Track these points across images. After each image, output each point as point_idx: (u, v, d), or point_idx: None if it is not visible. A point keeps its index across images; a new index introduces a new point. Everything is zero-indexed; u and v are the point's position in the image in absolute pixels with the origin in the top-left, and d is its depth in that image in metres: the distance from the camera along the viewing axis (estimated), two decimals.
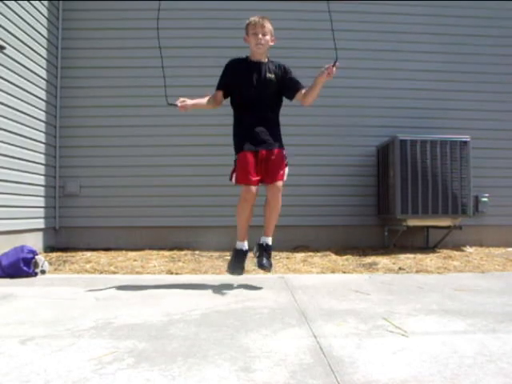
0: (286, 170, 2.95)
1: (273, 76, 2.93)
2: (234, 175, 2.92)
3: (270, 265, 2.99)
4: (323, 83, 2.85)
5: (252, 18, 2.94)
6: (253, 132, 2.88)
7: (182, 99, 2.99)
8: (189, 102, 3.01)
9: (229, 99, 3.05)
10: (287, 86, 2.97)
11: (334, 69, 2.78)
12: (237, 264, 2.95)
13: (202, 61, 4.98)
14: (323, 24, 5.15)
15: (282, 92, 3.00)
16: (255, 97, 2.91)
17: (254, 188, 2.85)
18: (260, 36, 2.89)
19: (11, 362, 1.55)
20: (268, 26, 2.93)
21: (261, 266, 2.96)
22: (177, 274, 3.55)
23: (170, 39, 5.06)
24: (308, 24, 5.12)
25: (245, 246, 2.99)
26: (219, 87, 3.02)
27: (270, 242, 3.01)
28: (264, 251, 2.97)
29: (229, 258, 4.19)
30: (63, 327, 1.97)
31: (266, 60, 3.00)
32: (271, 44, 2.98)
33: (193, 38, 5.04)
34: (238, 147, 2.92)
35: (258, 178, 2.87)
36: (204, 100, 3.06)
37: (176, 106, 2.99)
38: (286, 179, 2.97)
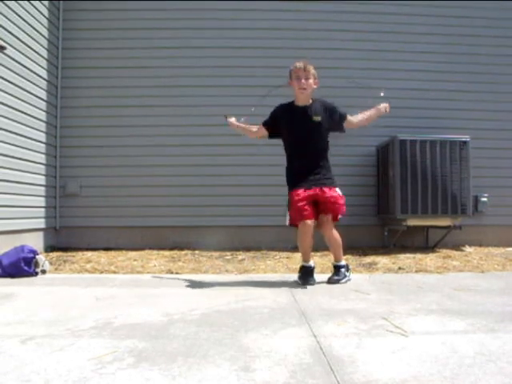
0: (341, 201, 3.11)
1: (319, 118, 3.03)
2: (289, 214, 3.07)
3: (337, 280, 3.07)
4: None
5: (296, 63, 3.06)
6: (303, 176, 3.02)
7: (233, 118, 3.27)
8: (236, 123, 3.28)
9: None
10: (337, 123, 3.11)
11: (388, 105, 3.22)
12: (307, 278, 3.04)
13: (201, 61, 4.99)
14: (322, 24, 5.13)
15: (333, 129, 3.13)
16: (303, 140, 3.03)
17: (309, 221, 2.97)
18: (303, 81, 2.99)
19: (11, 361, 1.55)
20: (311, 70, 3.03)
21: (329, 280, 3.08)
22: (177, 273, 3.55)
23: (170, 39, 5.08)
24: (317, 24, 5.11)
25: (311, 263, 3.15)
26: (265, 124, 3.17)
27: (338, 263, 3.17)
28: (334, 271, 3.15)
29: (228, 257, 4.21)
30: (63, 327, 1.97)
31: (311, 102, 3.08)
32: (314, 87, 3.07)
33: (193, 38, 5.04)
34: (291, 186, 3.07)
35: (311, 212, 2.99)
36: (251, 128, 3.26)
37: (226, 118, 3.27)
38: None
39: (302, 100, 3.05)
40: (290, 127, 3.06)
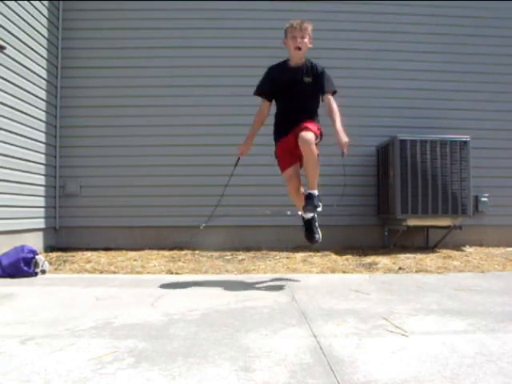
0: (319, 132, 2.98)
1: (309, 79, 3.03)
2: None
3: (314, 207, 2.97)
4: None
5: (292, 21, 3.01)
6: (287, 126, 3.04)
7: (240, 151, 3.23)
8: (243, 147, 3.22)
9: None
10: (318, 89, 3.07)
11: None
12: (310, 233, 3.13)
13: (201, 61, 4.99)
14: (323, 24, 5.14)
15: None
16: (293, 98, 3.03)
17: (290, 170, 3.03)
18: (299, 40, 2.97)
19: (11, 361, 1.55)
20: (307, 29, 3.01)
21: (304, 209, 3.00)
22: (177, 273, 3.55)
23: (170, 39, 5.08)
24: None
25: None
26: (262, 94, 3.14)
27: (313, 192, 3.00)
28: (307, 199, 2.98)
29: (228, 257, 4.21)
30: (63, 327, 1.97)
31: (304, 61, 3.07)
32: (310, 46, 3.06)
33: (193, 38, 5.04)
34: (274, 137, 3.15)
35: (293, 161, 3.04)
36: (253, 129, 3.21)
37: (238, 161, 3.26)
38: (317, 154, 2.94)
39: (296, 59, 3.04)
40: (283, 86, 3.04)
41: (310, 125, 2.93)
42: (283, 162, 3.09)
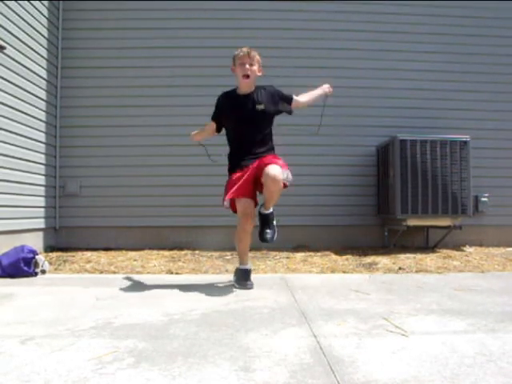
0: (286, 170, 2.85)
1: (262, 106, 2.93)
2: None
3: (271, 237, 2.93)
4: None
5: (240, 49, 2.96)
6: (243, 158, 2.94)
7: (191, 137, 3.28)
8: (196, 136, 3.28)
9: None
10: (283, 106, 3.03)
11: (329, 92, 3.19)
12: (246, 281, 2.93)
13: (201, 61, 4.99)
14: (323, 24, 5.14)
15: (279, 112, 3.05)
16: (245, 130, 2.94)
17: (248, 202, 2.83)
18: (247, 66, 2.90)
19: (11, 361, 1.55)
20: (255, 56, 2.95)
21: (262, 239, 2.94)
22: (177, 273, 3.55)
23: (170, 39, 5.08)
24: (308, 24, 5.11)
25: (250, 265, 3.05)
26: (213, 118, 3.12)
27: (268, 211, 2.95)
28: (263, 221, 2.95)
29: (228, 257, 4.20)
30: (63, 327, 1.97)
31: (254, 89, 2.99)
32: (259, 74, 2.99)
33: (193, 37, 5.04)
34: (229, 170, 3.01)
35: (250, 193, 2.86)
36: (205, 131, 3.26)
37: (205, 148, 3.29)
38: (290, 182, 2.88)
39: (245, 87, 2.96)
40: (233, 115, 2.96)
41: (274, 158, 2.86)
42: (240, 188, 2.82)
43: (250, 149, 2.93)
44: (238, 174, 2.89)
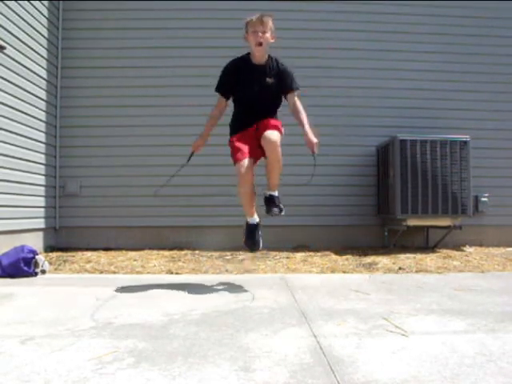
0: (282, 130, 2.89)
1: (271, 80, 2.92)
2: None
3: (280, 210, 2.95)
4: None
5: (252, 16, 2.90)
6: (249, 119, 2.93)
7: (192, 148, 3.09)
8: (199, 141, 3.09)
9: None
10: (282, 89, 2.97)
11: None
12: (251, 240, 2.93)
13: (201, 61, 4.99)
14: (323, 24, 5.15)
15: (280, 92, 3.00)
16: (254, 101, 2.93)
17: (247, 161, 2.82)
18: (260, 34, 2.84)
19: (11, 361, 1.55)
20: (268, 22, 2.87)
21: (269, 212, 2.94)
22: (177, 273, 3.55)
23: (170, 39, 5.08)
24: (307, 24, 5.11)
25: (255, 219, 2.98)
26: (220, 90, 3.01)
27: (274, 193, 2.97)
28: (271, 201, 2.96)
29: (228, 257, 4.20)
30: (63, 327, 1.97)
31: (266, 59, 2.95)
32: (272, 41, 2.93)
33: (193, 37, 5.04)
34: (231, 132, 3.00)
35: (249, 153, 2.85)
36: (210, 124, 3.09)
37: (192, 155, 3.09)
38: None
39: (258, 56, 2.90)
40: (243, 85, 2.91)
41: (274, 123, 2.86)
42: (240, 150, 2.84)
43: (254, 115, 2.92)
44: (240, 136, 2.91)
